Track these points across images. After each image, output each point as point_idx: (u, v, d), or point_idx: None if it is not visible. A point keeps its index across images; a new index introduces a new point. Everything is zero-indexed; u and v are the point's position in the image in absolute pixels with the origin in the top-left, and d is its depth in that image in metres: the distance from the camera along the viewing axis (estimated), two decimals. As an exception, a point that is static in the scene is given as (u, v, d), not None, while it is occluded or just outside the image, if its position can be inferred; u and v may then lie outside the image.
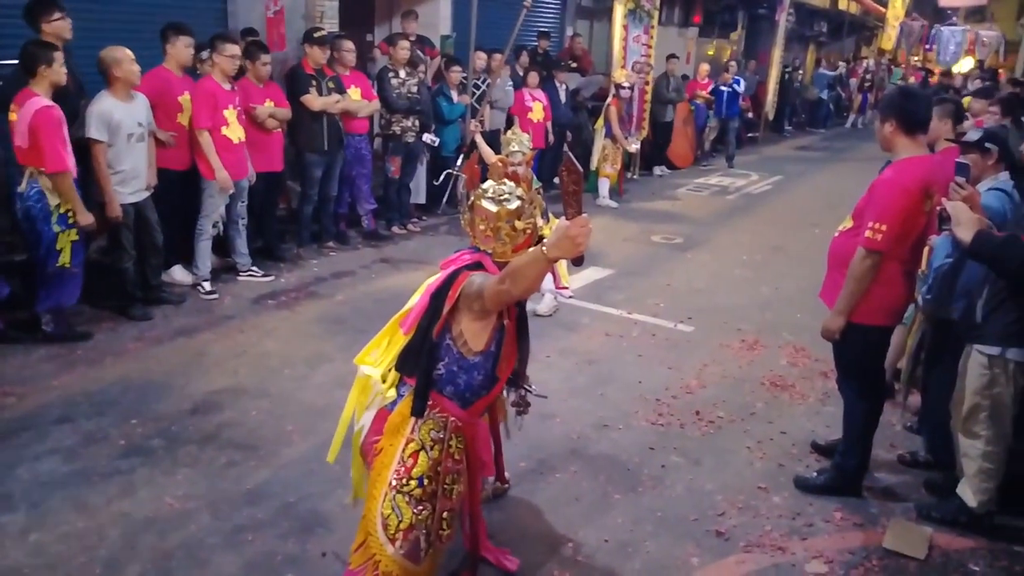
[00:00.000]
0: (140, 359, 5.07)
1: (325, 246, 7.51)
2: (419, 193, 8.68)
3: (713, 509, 3.75)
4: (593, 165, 10.29)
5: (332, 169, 7.29)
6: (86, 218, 5.01)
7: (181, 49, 5.90)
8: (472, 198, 2.64)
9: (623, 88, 10.23)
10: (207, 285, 6.19)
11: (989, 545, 3.56)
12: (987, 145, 3.79)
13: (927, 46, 28.38)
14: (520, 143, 5.02)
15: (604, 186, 10.36)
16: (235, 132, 6.15)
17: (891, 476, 4.12)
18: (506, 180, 2.66)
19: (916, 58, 28.09)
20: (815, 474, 4.02)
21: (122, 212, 5.38)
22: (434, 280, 2.66)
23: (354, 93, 7.39)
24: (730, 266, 7.82)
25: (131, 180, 5.47)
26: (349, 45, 7.54)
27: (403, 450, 2.62)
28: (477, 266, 2.59)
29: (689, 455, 4.23)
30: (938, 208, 3.16)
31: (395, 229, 8.25)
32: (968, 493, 3.59)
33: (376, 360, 2.82)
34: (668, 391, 4.97)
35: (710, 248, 8.50)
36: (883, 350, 3.83)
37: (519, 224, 2.56)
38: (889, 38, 27.00)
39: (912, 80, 22.17)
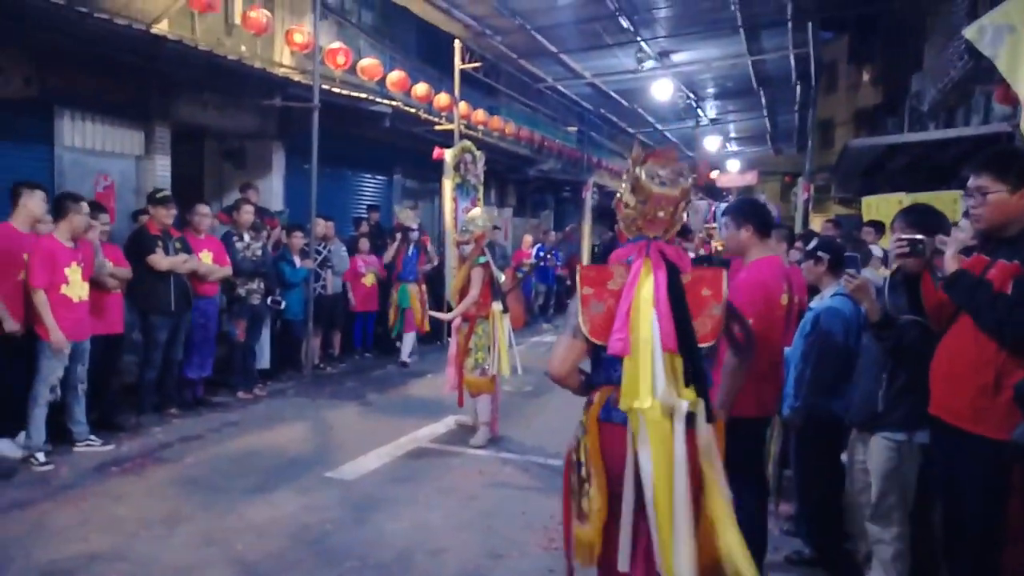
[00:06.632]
0: (-31, 535, 4.47)
1: (168, 413, 7.03)
2: (263, 357, 8.43)
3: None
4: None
5: (178, 332, 6.97)
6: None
7: (38, 203, 5.72)
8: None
9: (411, 231, 10.28)
10: (41, 456, 5.59)
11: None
12: (819, 253, 4.27)
13: (712, 223, 31.55)
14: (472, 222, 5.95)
15: (408, 343, 10.23)
16: (76, 290, 5.80)
17: (786, 576, 4.25)
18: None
19: (701, 234, 31.03)
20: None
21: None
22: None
23: (206, 257, 7.27)
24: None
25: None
26: (204, 210, 7.52)
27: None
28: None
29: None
30: (937, 242, 3.30)
31: (241, 394, 7.86)
32: None
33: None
34: (554, 518, 4.91)
35: (559, 394, 8.66)
36: (762, 440, 4.05)
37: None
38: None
39: (702, 251, 24.35)
